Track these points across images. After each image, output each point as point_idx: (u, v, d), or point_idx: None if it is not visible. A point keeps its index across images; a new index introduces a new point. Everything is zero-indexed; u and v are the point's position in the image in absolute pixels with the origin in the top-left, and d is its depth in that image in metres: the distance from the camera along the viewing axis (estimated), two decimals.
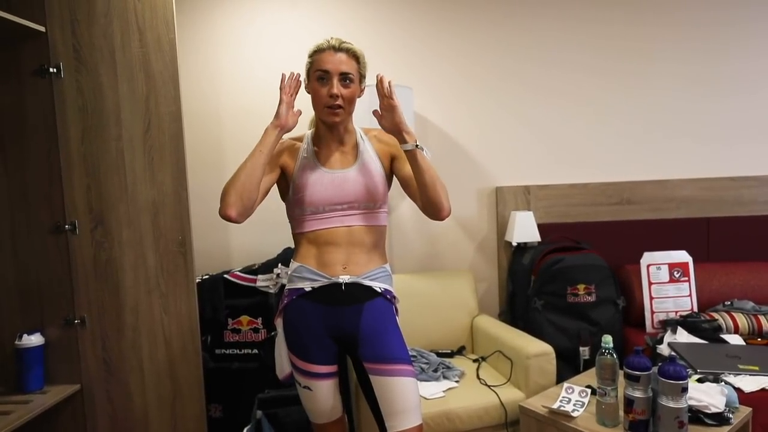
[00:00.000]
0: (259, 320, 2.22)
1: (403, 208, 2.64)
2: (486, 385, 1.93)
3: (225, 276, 2.27)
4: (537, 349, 1.91)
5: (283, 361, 1.45)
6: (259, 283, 2.26)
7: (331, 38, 1.36)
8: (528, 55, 2.66)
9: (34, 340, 1.80)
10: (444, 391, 1.88)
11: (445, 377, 1.99)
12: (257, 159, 1.30)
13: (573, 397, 1.66)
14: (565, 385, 1.75)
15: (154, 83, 1.88)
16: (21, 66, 1.83)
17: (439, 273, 2.53)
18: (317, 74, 1.34)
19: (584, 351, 2.18)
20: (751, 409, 1.59)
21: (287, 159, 1.42)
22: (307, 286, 1.38)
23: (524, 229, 2.46)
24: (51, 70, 1.83)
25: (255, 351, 2.20)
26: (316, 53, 1.36)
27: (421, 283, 2.42)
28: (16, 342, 1.78)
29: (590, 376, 1.81)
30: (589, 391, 1.69)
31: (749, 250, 2.63)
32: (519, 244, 2.52)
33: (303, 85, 1.42)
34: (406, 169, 1.40)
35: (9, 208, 1.86)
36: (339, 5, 2.57)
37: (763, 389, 1.72)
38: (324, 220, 1.38)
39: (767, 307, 2.29)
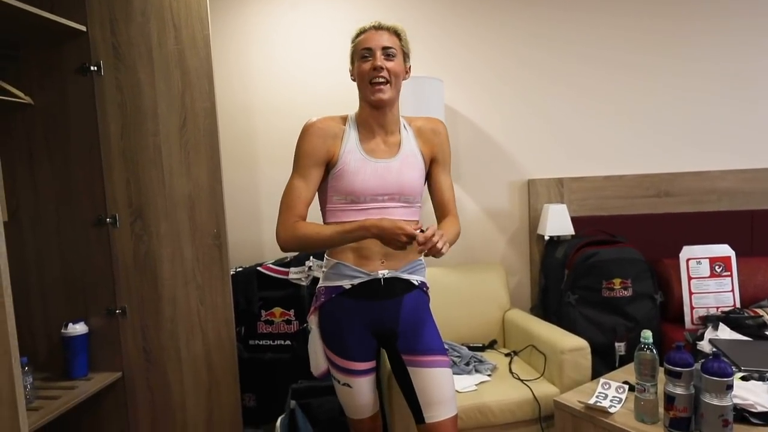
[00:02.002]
0: (292, 312, 2.25)
1: None
2: (519, 379, 1.91)
3: (258, 268, 2.31)
4: (572, 343, 1.88)
5: (318, 358, 1.45)
6: (291, 276, 2.29)
7: (370, 22, 1.36)
8: (560, 49, 2.60)
9: (79, 328, 1.87)
10: (476, 385, 1.87)
11: (477, 371, 1.98)
12: (333, 242, 1.31)
13: (610, 393, 1.63)
14: (602, 380, 1.71)
15: (189, 79, 1.92)
16: (64, 65, 1.89)
17: (471, 266, 2.51)
18: (361, 53, 1.33)
19: (620, 346, 2.14)
20: None
21: (332, 146, 1.35)
22: (347, 284, 1.37)
23: (557, 222, 2.41)
24: (92, 68, 1.89)
25: (288, 342, 2.24)
26: (359, 35, 1.36)
27: (453, 276, 2.41)
28: (62, 330, 1.86)
29: (627, 372, 1.77)
30: (626, 387, 1.65)
31: None
32: (552, 237, 2.48)
33: (350, 75, 1.41)
34: (440, 179, 1.45)
35: (55, 202, 1.93)
36: (367, 3, 2.56)
37: None
38: (363, 210, 1.36)
39: None
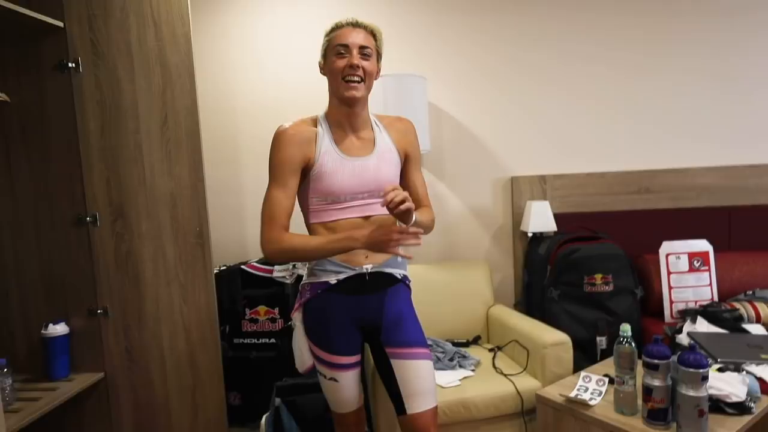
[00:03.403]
0: (276, 310, 2.25)
1: None
2: (502, 374, 1.93)
3: (242, 267, 2.31)
4: (554, 338, 1.90)
5: (303, 355, 1.45)
6: (275, 274, 2.28)
7: (346, 18, 1.35)
8: (542, 45, 2.62)
9: (59, 329, 1.85)
10: (460, 380, 1.88)
11: (461, 366, 2.00)
12: (320, 253, 1.32)
13: (590, 386, 1.66)
14: (582, 373, 1.74)
15: (170, 77, 1.90)
16: (41, 61, 1.86)
17: (455, 263, 2.53)
18: (336, 49, 1.32)
19: (601, 341, 2.17)
20: None
21: (307, 151, 1.34)
22: (332, 279, 1.38)
23: (540, 218, 2.44)
24: (70, 65, 1.86)
25: (272, 340, 2.24)
26: (334, 30, 1.35)
27: (437, 273, 2.42)
28: (42, 331, 1.83)
29: (607, 366, 1.80)
30: (606, 379, 1.68)
31: None
32: (535, 234, 2.50)
33: (320, 68, 1.41)
34: (413, 176, 1.49)
35: (33, 200, 1.90)
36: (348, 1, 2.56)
37: None
38: (345, 209, 1.37)
39: None
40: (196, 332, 1.98)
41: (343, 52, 1.32)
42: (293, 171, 1.34)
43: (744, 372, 1.64)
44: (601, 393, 1.62)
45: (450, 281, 2.40)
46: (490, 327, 2.36)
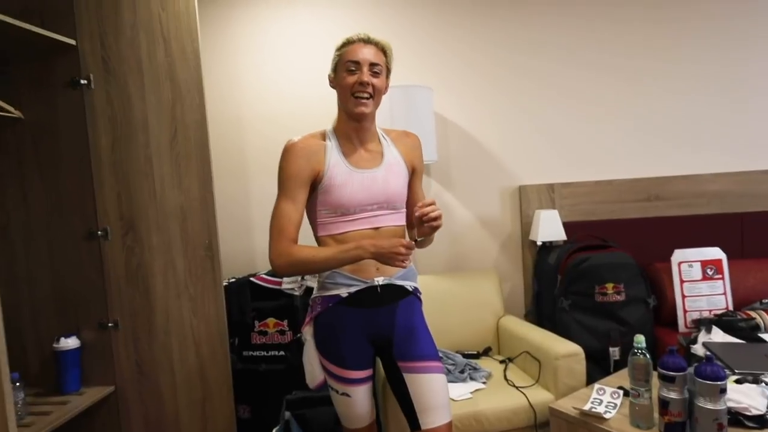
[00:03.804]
0: (285, 322, 2.25)
1: None
2: (514, 386, 1.91)
3: (251, 279, 2.31)
4: (566, 349, 1.88)
5: (314, 369, 1.44)
6: (284, 286, 2.28)
7: (358, 33, 1.37)
8: (549, 54, 2.62)
9: (71, 343, 1.85)
10: (471, 393, 1.86)
11: (472, 378, 1.98)
12: (330, 265, 1.33)
13: (605, 399, 1.63)
14: (596, 386, 1.71)
15: (179, 92, 1.92)
16: (54, 78, 1.89)
17: (464, 273, 2.51)
18: (347, 65, 1.33)
19: (614, 351, 2.14)
20: None
21: (316, 164, 1.35)
22: (344, 292, 1.37)
23: (549, 227, 2.42)
24: (82, 81, 1.89)
25: (282, 353, 2.23)
26: (345, 46, 1.36)
27: (446, 283, 2.41)
28: (54, 345, 1.84)
29: (621, 377, 1.77)
30: (621, 392, 1.65)
31: None
32: (544, 243, 2.49)
33: (329, 81, 1.42)
34: (417, 189, 1.52)
35: (45, 215, 1.92)
36: (358, 9, 2.58)
37: None
38: (354, 221, 1.37)
39: None
40: (205, 345, 1.98)
41: (353, 68, 1.34)
42: (302, 184, 1.34)
43: (763, 384, 1.60)
44: (615, 406, 1.59)
45: (459, 291, 2.38)
46: (501, 338, 2.34)
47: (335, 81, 1.39)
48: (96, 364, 1.94)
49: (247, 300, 2.29)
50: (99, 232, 1.92)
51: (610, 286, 2.22)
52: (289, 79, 2.59)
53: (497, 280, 2.47)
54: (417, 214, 1.25)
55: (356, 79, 1.33)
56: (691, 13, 2.62)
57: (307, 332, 1.44)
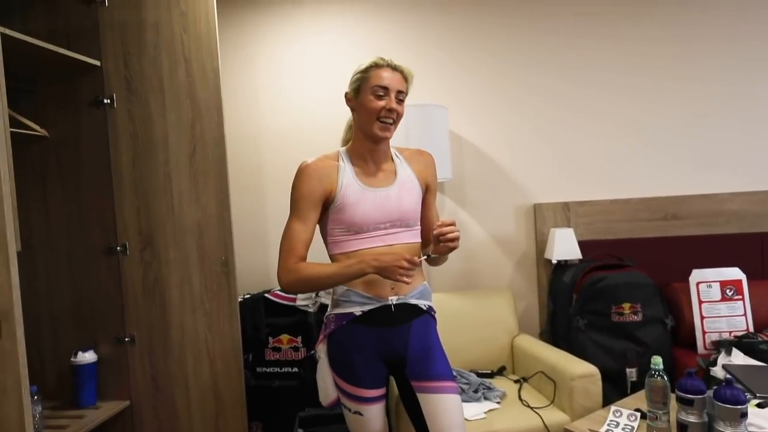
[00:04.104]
0: (299, 339, 2.25)
1: None
2: (528, 406, 1.88)
3: (265, 295, 2.32)
4: (582, 370, 1.86)
5: (327, 387, 1.44)
6: (298, 303, 2.29)
7: (383, 58, 1.39)
8: (564, 73, 2.63)
9: (88, 357, 1.88)
10: (485, 413, 1.84)
11: (486, 398, 1.95)
12: (335, 280, 1.36)
13: (621, 421, 1.60)
14: (613, 408, 1.68)
15: (199, 110, 1.97)
16: (78, 98, 1.96)
17: (478, 292, 2.50)
18: (375, 89, 1.36)
19: (631, 372, 2.10)
20: None
21: (328, 185, 1.38)
22: (357, 311, 1.38)
23: (564, 246, 2.41)
24: (105, 101, 1.94)
25: (295, 369, 2.23)
26: (373, 69, 1.38)
27: (460, 301, 2.40)
28: (72, 359, 1.87)
29: (638, 399, 1.74)
30: (638, 414, 1.62)
31: None
32: (559, 261, 2.47)
33: (347, 100, 1.44)
34: (431, 207, 1.53)
35: (66, 230, 1.97)
36: (373, 28, 2.63)
37: None
38: (367, 239, 1.38)
39: None
40: (220, 361, 1.99)
41: (382, 94, 1.36)
42: (314, 205, 1.38)
43: None
44: (633, 429, 1.56)
45: (473, 310, 2.37)
46: (515, 357, 2.32)
47: (356, 102, 1.41)
48: (112, 379, 1.96)
49: (262, 316, 2.30)
50: (118, 248, 1.96)
51: (626, 305, 2.19)
52: (305, 98, 2.64)
53: (512, 299, 2.46)
54: (435, 232, 1.28)
55: (385, 105, 1.36)
56: (705, 31, 2.62)
57: (321, 350, 1.45)
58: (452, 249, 1.30)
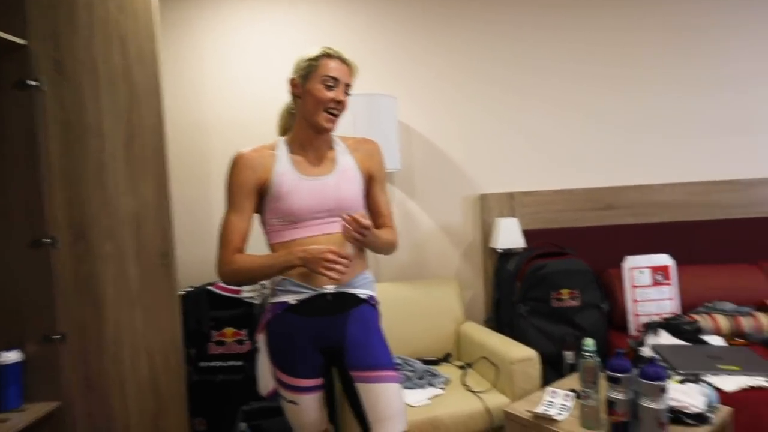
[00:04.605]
0: (244, 332, 2.21)
1: None
2: (471, 391, 1.93)
3: (209, 288, 2.26)
4: (521, 354, 1.92)
5: (266, 377, 1.43)
6: (243, 294, 2.25)
7: (332, 48, 1.39)
8: (512, 66, 2.69)
9: (12, 357, 1.77)
10: (429, 399, 1.87)
11: (430, 384, 1.99)
12: (266, 272, 1.35)
13: (557, 401, 1.67)
14: (549, 389, 1.75)
15: (136, 95, 1.88)
16: (0, 80, 1.82)
17: (425, 281, 2.53)
18: (324, 79, 1.36)
19: (569, 355, 2.19)
20: (732, 409, 1.61)
21: (262, 173, 1.37)
22: (292, 300, 1.38)
23: (509, 235, 2.48)
24: (32, 83, 1.82)
25: (240, 363, 2.19)
26: (324, 58, 1.37)
27: (407, 291, 2.42)
28: None
29: (574, 380, 1.81)
30: (573, 394, 1.69)
31: (730, 252, 2.67)
32: (504, 250, 2.53)
33: (292, 85, 1.41)
34: (378, 197, 1.51)
35: None
36: (322, 15, 2.59)
37: (744, 389, 1.74)
38: (305, 228, 1.37)
39: (747, 308, 2.32)
40: (159, 356, 1.92)
41: (331, 84, 1.37)
42: (248, 195, 1.37)
43: (703, 383, 1.67)
44: (567, 408, 1.63)
45: (420, 299, 2.40)
46: (461, 344, 2.37)
47: (303, 89, 1.39)
48: (40, 379, 1.86)
49: (205, 309, 2.24)
50: (47, 240, 1.85)
51: (565, 292, 2.28)
52: (254, 85, 2.58)
53: (458, 288, 2.50)
54: (345, 218, 1.27)
55: (334, 96, 1.36)
56: (646, 26, 2.72)
57: (260, 339, 1.44)
58: (353, 240, 1.30)
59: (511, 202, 2.67)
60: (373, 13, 2.62)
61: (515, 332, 2.29)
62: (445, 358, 2.31)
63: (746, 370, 1.82)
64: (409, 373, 2.02)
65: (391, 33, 2.63)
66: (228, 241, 1.36)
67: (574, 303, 2.28)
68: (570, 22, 2.71)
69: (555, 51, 2.71)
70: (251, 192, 1.38)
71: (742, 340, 2.18)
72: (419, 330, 2.34)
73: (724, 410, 1.58)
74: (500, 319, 2.49)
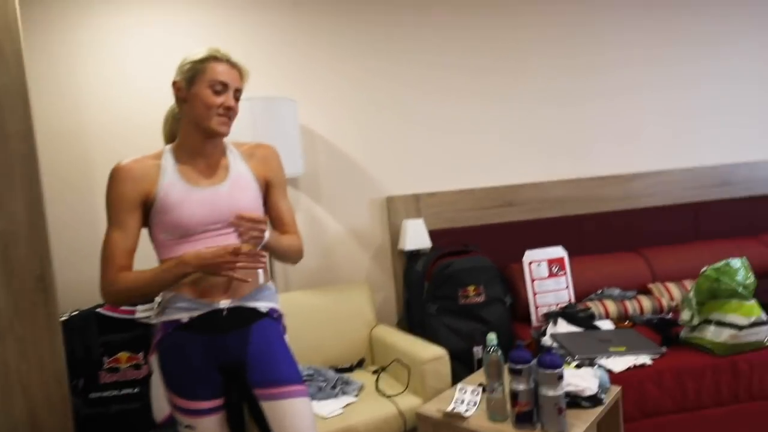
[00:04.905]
0: (141, 355, 2.04)
1: None
2: (385, 395, 1.93)
3: (98, 310, 2.06)
4: (430, 353, 1.95)
5: (160, 402, 1.33)
6: (138, 315, 2.07)
7: (219, 51, 1.31)
8: (412, 69, 2.73)
9: None
10: (343, 408, 1.84)
11: (344, 393, 1.96)
12: (155, 286, 1.24)
13: (466, 398, 1.71)
14: (459, 386, 1.79)
15: None
16: None
17: (335, 286, 2.50)
18: (212, 83, 1.28)
19: (478, 350, 2.27)
20: (620, 387, 1.74)
21: (146, 185, 1.28)
22: (184, 317, 1.29)
23: (416, 236, 2.51)
24: None
25: (137, 390, 2.02)
26: (211, 61, 1.28)
27: (316, 298, 2.37)
28: None
29: (482, 375, 1.87)
30: (480, 389, 1.74)
31: (615, 241, 2.92)
32: (412, 251, 2.57)
33: (175, 89, 1.32)
34: (279, 203, 1.44)
35: None
36: (211, 16, 2.46)
37: (629, 368, 1.90)
38: (197, 242, 1.28)
39: (632, 292, 2.55)
40: (38, 392, 1.70)
41: (220, 89, 1.29)
42: (130, 209, 1.27)
43: (596, 366, 1.80)
44: (476, 403, 1.67)
45: (331, 305, 2.36)
46: (374, 348, 2.36)
47: (188, 93, 1.30)
48: None
49: (94, 334, 2.04)
50: None
51: (471, 288, 2.36)
52: (139, 90, 2.39)
53: (369, 291, 2.50)
54: (233, 221, 1.21)
55: (223, 102, 1.29)
56: (537, 29, 2.89)
57: (153, 361, 1.33)
58: (249, 240, 1.22)
59: (416, 204, 2.72)
60: (269, 15, 2.54)
61: (426, 332, 2.32)
62: (359, 364, 2.29)
63: (631, 349, 1.99)
64: (321, 384, 1.98)
65: (288, 35, 2.57)
66: (110, 261, 1.25)
67: (479, 299, 2.36)
68: (472, 21, 2.79)
69: (453, 58, 2.78)
70: (134, 206, 1.27)
71: (628, 323, 2.38)
72: (331, 337, 2.30)
73: (614, 390, 1.71)
74: (411, 320, 2.52)
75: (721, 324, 1.97)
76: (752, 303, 1.95)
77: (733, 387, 1.92)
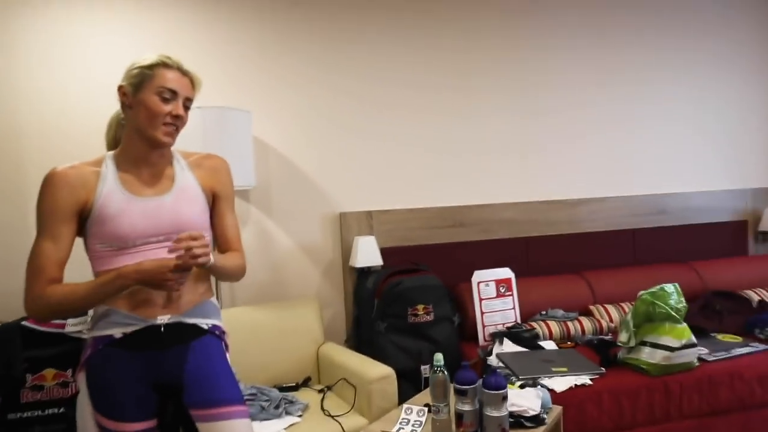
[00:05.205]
0: (69, 372, 1.90)
1: (243, 236, 2.51)
2: (330, 415, 1.89)
3: (23, 323, 1.91)
4: (378, 372, 1.93)
5: (86, 424, 1.22)
6: (68, 329, 1.94)
7: (170, 58, 1.26)
8: (369, 84, 2.74)
9: None
10: (285, 429, 1.79)
11: (287, 413, 1.90)
12: (90, 301, 1.17)
13: (412, 418, 1.69)
14: (405, 406, 1.77)
15: None
16: None
17: (283, 302, 2.44)
18: (160, 90, 1.22)
19: (425, 369, 2.27)
20: (561, 407, 1.78)
21: (82, 194, 1.21)
22: (118, 333, 1.21)
23: (367, 253, 2.50)
24: None
25: (62, 410, 1.87)
26: (160, 67, 1.23)
27: (264, 314, 2.31)
28: None
29: (428, 395, 1.87)
30: (426, 409, 1.73)
31: (560, 264, 3.02)
32: (363, 268, 2.56)
33: (121, 94, 1.25)
34: (224, 217, 1.38)
35: None
36: (161, 22, 2.40)
37: (570, 387, 1.95)
38: (136, 254, 1.21)
39: (574, 313, 2.64)
40: None
41: (168, 97, 1.24)
42: (64, 219, 1.19)
43: (539, 386, 1.84)
44: (421, 423, 1.66)
45: (278, 321, 2.30)
46: (321, 366, 2.31)
47: (134, 99, 1.24)
48: None
49: (17, 349, 1.88)
50: None
51: (420, 307, 2.36)
52: (78, 93, 2.27)
53: (318, 307, 2.46)
54: (169, 250, 1.14)
55: (171, 110, 1.24)
56: (487, 54, 2.98)
57: (81, 379, 1.24)
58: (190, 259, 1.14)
59: (369, 221, 2.72)
60: (224, 24, 2.50)
61: (375, 350, 2.30)
62: (305, 383, 2.24)
63: (572, 370, 2.05)
64: (264, 404, 1.91)
65: (243, 45, 2.53)
66: (39, 273, 1.16)
67: (428, 318, 2.37)
68: (426, 41, 2.83)
69: (410, 68, 2.81)
70: (68, 215, 1.19)
71: (570, 343, 2.46)
72: (277, 354, 2.24)
73: (556, 409, 1.75)
74: (360, 337, 2.49)
75: (655, 346, 2.06)
76: (683, 326, 2.06)
77: (664, 406, 2.01)
